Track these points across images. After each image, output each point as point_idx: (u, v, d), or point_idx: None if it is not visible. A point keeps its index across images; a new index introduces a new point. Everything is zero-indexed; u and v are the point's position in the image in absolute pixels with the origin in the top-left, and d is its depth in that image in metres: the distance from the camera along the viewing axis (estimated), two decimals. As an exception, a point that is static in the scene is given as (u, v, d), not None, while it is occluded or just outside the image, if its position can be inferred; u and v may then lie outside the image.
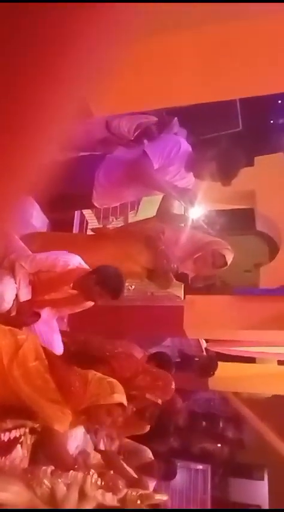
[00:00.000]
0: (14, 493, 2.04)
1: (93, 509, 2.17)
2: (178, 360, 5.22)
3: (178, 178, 3.48)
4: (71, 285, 2.96)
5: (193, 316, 3.93)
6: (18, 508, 2.03)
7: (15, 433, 2.36)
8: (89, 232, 4.82)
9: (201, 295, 4.16)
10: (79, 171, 3.39)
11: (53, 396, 2.35)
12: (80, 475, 2.18)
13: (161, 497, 2.50)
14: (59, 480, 2.12)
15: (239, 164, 3.36)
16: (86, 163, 3.59)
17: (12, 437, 2.35)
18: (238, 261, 3.65)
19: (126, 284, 4.58)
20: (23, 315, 2.87)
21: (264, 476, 7.14)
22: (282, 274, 4.07)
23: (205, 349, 5.45)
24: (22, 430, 2.40)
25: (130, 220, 4.86)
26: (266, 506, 6.87)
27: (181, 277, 3.71)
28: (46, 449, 2.47)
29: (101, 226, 4.97)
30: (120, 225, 4.67)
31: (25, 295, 2.90)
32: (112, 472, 2.41)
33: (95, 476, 2.20)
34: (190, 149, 3.46)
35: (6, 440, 2.32)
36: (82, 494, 2.13)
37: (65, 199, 3.29)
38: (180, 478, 5.52)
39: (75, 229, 4.86)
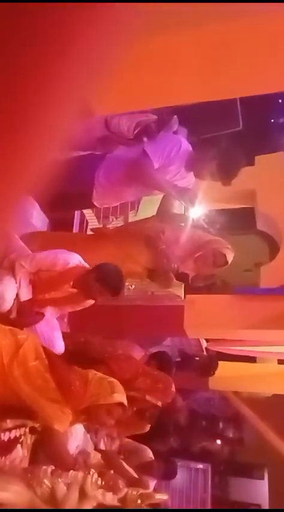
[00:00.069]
0: (14, 492, 2.04)
1: (94, 509, 2.17)
2: (179, 359, 5.22)
3: (178, 178, 3.48)
4: (71, 283, 2.96)
5: (193, 316, 3.92)
6: (18, 507, 2.03)
7: (15, 433, 2.36)
8: (89, 232, 4.82)
9: (201, 295, 4.15)
10: (79, 170, 3.39)
11: (53, 396, 2.35)
12: (80, 474, 2.18)
13: (161, 497, 2.51)
14: (59, 480, 2.12)
15: (239, 163, 3.36)
16: (86, 162, 3.59)
17: (12, 437, 2.35)
18: (238, 260, 3.65)
19: (126, 284, 4.59)
20: (24, 315, 2.87)
21: (264, 475, 7.14)
22: (283, 273, 4.06)
23: (206, 348, 5.45)
24: (22, 430, 2.40)
25: (130, 220, 4.86)
26: (266, 506, 6.87)
27: (182, 277, 3.71)
28: (46, 448, 2.47)
29: (101, 226, 4.97)
30: (120, 225, 4.67)
31: (25, 294, 2.90)
32: (112, 471, 2.42)
33: (95, 475, 2.20)
34: (191, 149, 3.46)
35: (6, 440, 2.33)
36: (82, 494, 2.13)
37: (65, 199, 3.29)
38: (180, 477, 5.53)
39: (75, 228, 4.86)
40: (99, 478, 2.20)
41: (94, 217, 5.09)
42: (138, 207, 5.00)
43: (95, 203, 3.67)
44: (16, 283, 2.87)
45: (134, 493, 2.28)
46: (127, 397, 2.52)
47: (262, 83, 2.25)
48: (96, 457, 2.89)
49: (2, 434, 2.32)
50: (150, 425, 3.26)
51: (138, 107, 3.19)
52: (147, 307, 4.69)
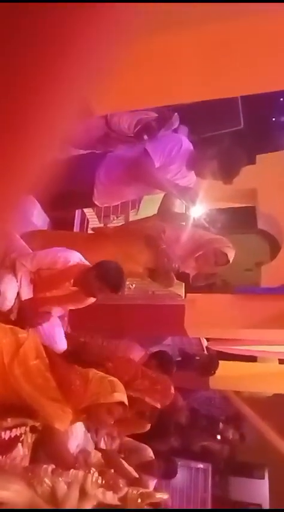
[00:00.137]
0: (14, 491, 2.04)
1: (94, 508, 2.17)
2: (179, 358, 5.22)
3: (179, 177, 3.48)
4: (72, 281, 2.96)
5: (194, 315, 3.92)
6: (19, 506, 2.04)
7: (15, 432, 2.37)
8: (90, 231, 4.82)
9: (202, 294, 4.15)
10: (80, 169, 3.39)
11: (53, 395, 2.35)
12: (81, 473, 2.19)
13: (162, 496, 2.51)
14: (60, 479, 2.13)
15: (240, 162, 3.36)
16: (87, 161, 3.59)
17: (13, 436, 2.35)
18: (239, 259, 3.65)
19: (127, 283, 4.59)
20: (26, 314, 2.88)
21: (265, 475, 7.14)
22: (283, 273, 4.06)
23: (206, 348, 5.45)
24: (23, 429, 2.40)
25: (131, 219, 4.86)
26: (266, 505, 6.86)
27: (182, 277, 3.71)
28: (47, 447, 2.47)
29: (102, 225, 4.97)
30: (120, 224, 4.67)
31: (27, 293, 2.91)
32: (112, 470, 2.42)
33: (96, 474, 2.21)
34: (192, 147, 3.46)
35: (7, 438, 2.33)
36: (83, 493, 2.13)
37: (66, 198, 3.29)
38: (181, 476, 5.52)
39: (76, 228, 4.86)
40: (100, 477, 2.21)
41: (95, 216, 5.09)
42: (139, 206, 5.00)
43: (96, 202, 3.67)
44: (17, 282, 2.88)
45: (134, 492, 2.28)
46: (127, 399, 2.52)
47: (263, 82, 2.24)
48: (96, 456, 2.89)
49: (3, 433, 2.33)
50: (150, 424, 3.26)
51: (138, 107, 3.19)
52: (148, 306, 4.69)
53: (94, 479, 2.18)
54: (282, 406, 5.74)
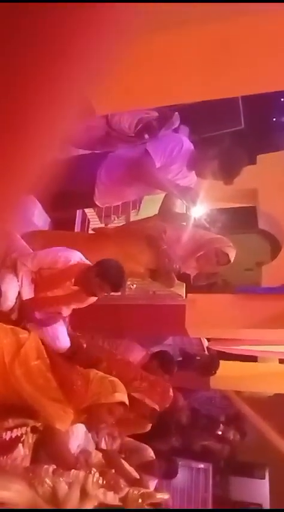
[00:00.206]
0: (15, 491, 2.04)
1: (94, 508, 2.17)
2: (180, 358, 5.22)
3: (180, 177, 3.48)
4: (73, 280, 2.96)
5: (195, 315, 3.92)
6: (20, 507, 2.04)
7: (16, 432, 2.37)
8: (91, 232, 4.81)
9: (202, 294, 4.15)
10: (81, 169, 3.39)
11: (54, 395, 2.35)
12: (82, 473, 2.19)
13: (162, 496, 2.51)
14: (61, 479, 2.13)
15: (241, 162, 3.35)
16: (88, 161, 3.59)
17: (13, 436, 2.35)
18: (240, 259, 3.65)
19: (128, 283, 4.59)
20: (26, 313, 2.88)
21: (265, 475, 7.14)
22: (284, 272, 4.07)
23: (207, 347, 5.44)
24: (24, 429, 2.40)
25: (132, 219, 4.86)
26: (267, 505, 6.86)
27: (183, 277, 3.71)
28: (48, 448, 2.47)
29: (103, 225, 4.97)
30: (121, 224, 4.67)
31: (28, 293, 2.91)
32: (113, 471, 2.42)
33: (97, 475, 2.21)
34: (192, 148, 3.46)
35: (7, 439, 2.33)
36: (83, 493, 2.13)
37: (67, 198, 3.29)
38: (181, 476, 5.52)
39: (77, 228, 4.86)
40: (101, 477, 2.21)
41: (96, 217, 5.08)
42: (139, 206, 4.99)
43: (97, 202, 3.66)
44: (18, 281, 2.88)
45: (135, 492, 2.28)
46: (128, 400, 2.52)
47: (264, 82, 2.24)
48: (97, 457, 2.89)
49: (4, 433, 2.33)
50: (151, 424, 3.26)
51: (139, 107, 3.19)
52: (149, 306, 4.68)
53: (95, 479, 2.18)
54: (283, 406, 5.73)
